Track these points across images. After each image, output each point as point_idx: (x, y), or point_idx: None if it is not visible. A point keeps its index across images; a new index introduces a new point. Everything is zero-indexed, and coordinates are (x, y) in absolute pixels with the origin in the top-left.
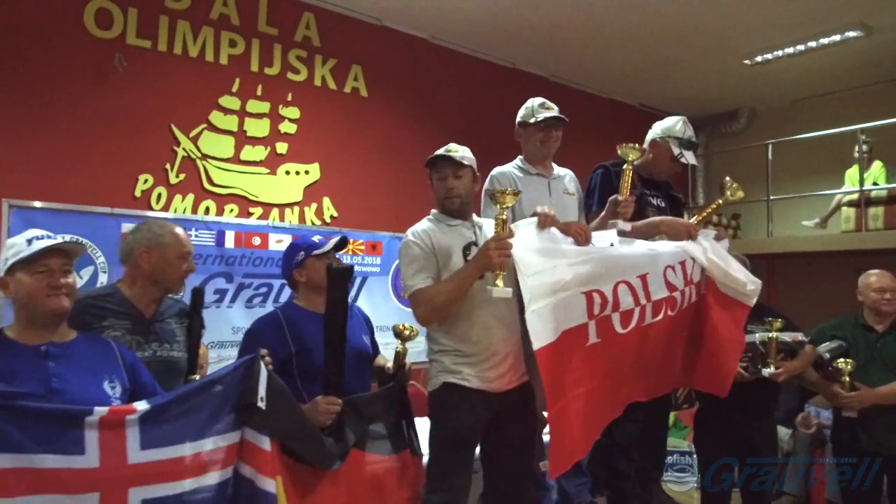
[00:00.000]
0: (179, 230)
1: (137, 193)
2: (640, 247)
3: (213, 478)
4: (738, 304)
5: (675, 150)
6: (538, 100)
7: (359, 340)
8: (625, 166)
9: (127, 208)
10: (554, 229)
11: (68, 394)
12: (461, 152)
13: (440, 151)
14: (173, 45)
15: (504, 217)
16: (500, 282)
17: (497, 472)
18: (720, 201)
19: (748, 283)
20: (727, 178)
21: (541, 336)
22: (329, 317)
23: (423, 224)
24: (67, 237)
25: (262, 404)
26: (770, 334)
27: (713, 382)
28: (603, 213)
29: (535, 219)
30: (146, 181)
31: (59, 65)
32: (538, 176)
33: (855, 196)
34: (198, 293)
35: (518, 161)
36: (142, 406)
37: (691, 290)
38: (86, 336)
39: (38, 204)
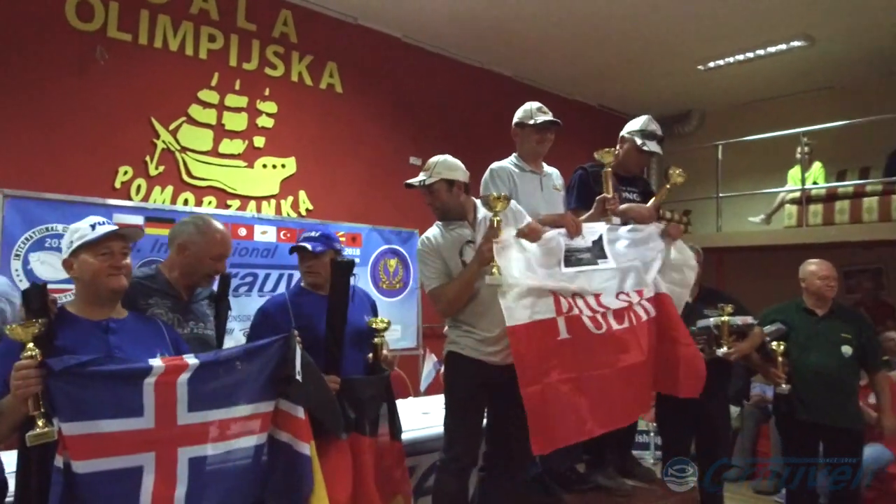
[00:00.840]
0: (222, 232)
1: (117, 185)
2: (601, 273)
3: (250, 441)
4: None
5: (639, 141)
6: (535, 104)
7: (359, 321)
8: (604, 169)
9: (107, 199)
10: (545, 237)
11: None
12: (419, 176)
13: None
14: (154, 38)
15: (498, 219)
16: (495, 271)
17: (495, 436)
18: (668, 186)
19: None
20: (671, 167)
21: (514, 317)
22: (332, 303)
23: (432, 230)
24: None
25: (298, 377)
26: (722, 318)
27: (695, 387)
28: (592, 212)
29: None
30: (126, 173)
31: (40, 56)
32: (531, 173)
33: (797, 194)
34: (225, 278)
35: (513, 158)
36: (192, 360)
37: (645, 304)
38: (135, 314)
39: (33, 194)
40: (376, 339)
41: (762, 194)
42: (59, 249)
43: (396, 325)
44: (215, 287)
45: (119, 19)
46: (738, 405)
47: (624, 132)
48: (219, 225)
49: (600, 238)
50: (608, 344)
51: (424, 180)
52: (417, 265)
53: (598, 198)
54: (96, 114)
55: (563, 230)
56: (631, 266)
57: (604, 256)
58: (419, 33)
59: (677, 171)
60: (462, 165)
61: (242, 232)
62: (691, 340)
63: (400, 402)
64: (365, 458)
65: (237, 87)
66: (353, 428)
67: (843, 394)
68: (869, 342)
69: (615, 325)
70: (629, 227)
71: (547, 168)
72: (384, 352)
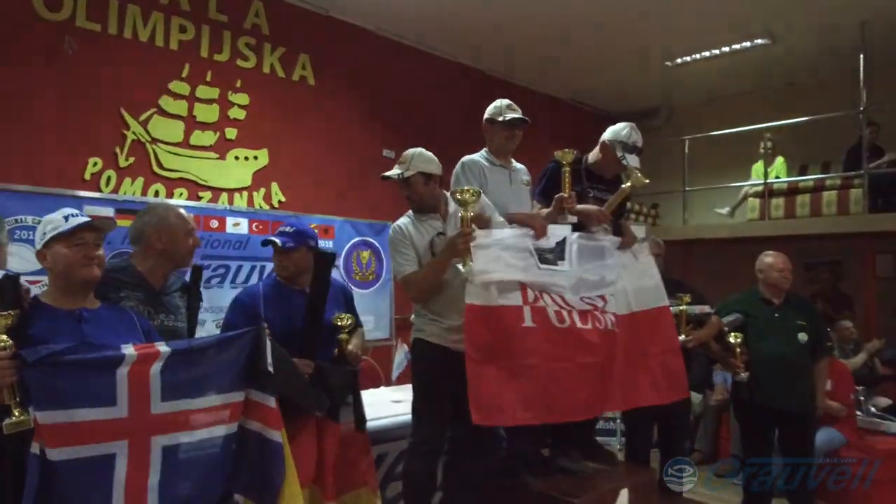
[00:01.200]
0: (182, 210)
1: (87, 176)
2: (569, 272)
3: (220, 430)
4: (659, 311)
5: (619, 153)
6: (505, 101)
7: (329, 313)
8: (563, 169)
9: (77, 190)
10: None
11: None
12: (395, 169)
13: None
14: (123, 28)
15: (468, 214)
16: (468, 264)
17: (461, 421)
18: (625, 187)
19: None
20: (633, 167)
21: (476, 295)
22: (312, 292)
23: (403, 220)
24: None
25: (270, 369)
26: (681, 307)
27: (678, 388)
28: (550, 209)
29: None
30: (95, 164)
31: (7, 46)
32: (501, 167)
33: (760, 188)
34: (197, 270)
35: (484, 152)
36: (163, 348)
37: (611, 318)
38: (106, 305)
39: (1, 186)
40: (341, 336)
41: (727, 188)
42: (28, 241)
43: (369, 315)
44: (187, 277)
45: (88, 9)
46: (700, 392)
47: (606, 137)
48: (172, 205)
49: (563, 240)
50: (570, 339)
51: (402, 173)
52: (389, 253)
53: (555, 196)
54: (65, 105)
55: (530, 231)
56: (588, 273)
57: (563, 258)
58: (392, 26)
59: (637, 174)
60: (436, 158)
61: (214, 224)
62: (660, 349)
63: (372, 391)
64: (330, 443)
65: (208, 78)
66: (325, 408)
67: (799, 378)
68: (821, 330)
69: (579, 324)
70: (584, 234)
71: (515, 164)
72: (349, 346)
